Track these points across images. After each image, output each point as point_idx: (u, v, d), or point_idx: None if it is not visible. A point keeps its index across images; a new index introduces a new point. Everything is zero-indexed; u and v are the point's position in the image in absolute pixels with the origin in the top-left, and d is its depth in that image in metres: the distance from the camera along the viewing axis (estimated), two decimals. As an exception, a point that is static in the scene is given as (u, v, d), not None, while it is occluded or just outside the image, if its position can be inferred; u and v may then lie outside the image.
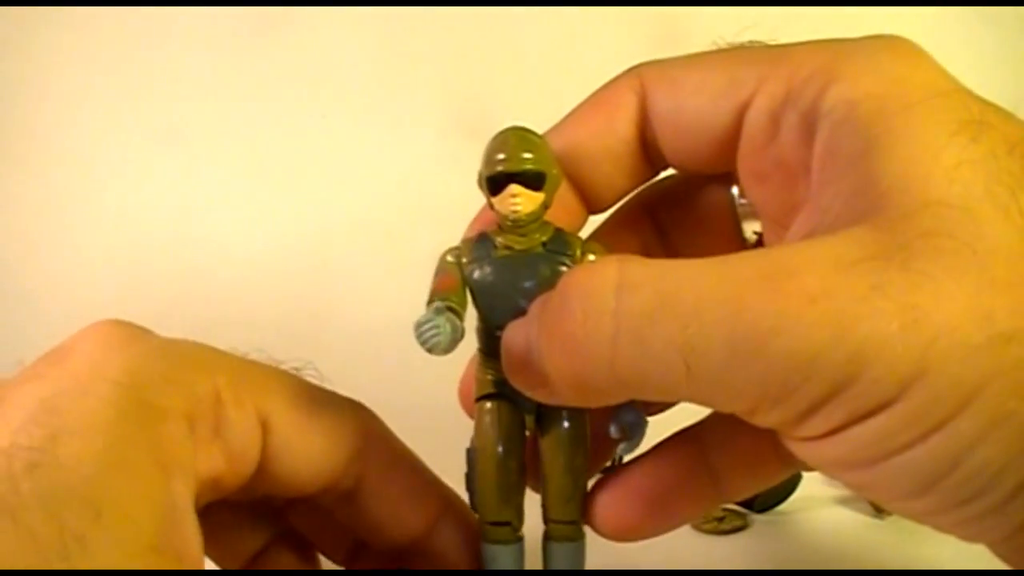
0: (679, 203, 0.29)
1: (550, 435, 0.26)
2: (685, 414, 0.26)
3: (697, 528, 0.39)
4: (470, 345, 0.25)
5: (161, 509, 0.20)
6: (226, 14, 0.70)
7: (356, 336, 0.59)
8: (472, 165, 0.25)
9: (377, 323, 0.56)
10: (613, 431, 0.25)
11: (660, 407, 0.28)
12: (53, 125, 0.71)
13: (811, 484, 0.40)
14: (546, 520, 0.26)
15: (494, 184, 0.24)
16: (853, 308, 0.18)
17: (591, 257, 0.25)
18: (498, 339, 0.24)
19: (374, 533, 0.27)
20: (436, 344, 0.23)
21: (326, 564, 0.30)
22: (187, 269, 0.67)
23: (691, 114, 0.25)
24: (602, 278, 0.21)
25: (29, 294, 0.66)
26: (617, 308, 0.20)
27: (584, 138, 0.26)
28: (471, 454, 0.26)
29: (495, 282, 0.25)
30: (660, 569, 0.35)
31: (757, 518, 0.40)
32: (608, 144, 0.26)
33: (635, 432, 0.25)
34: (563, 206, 0.26)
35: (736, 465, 0.26)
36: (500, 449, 0.25)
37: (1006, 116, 0.21)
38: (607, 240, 0.27)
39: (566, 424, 0.26)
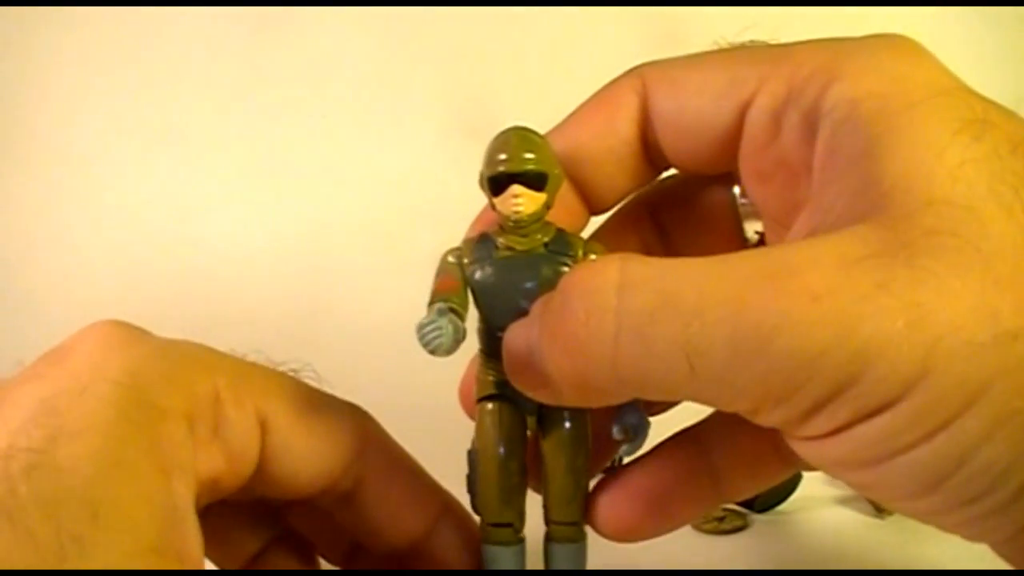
0: (680, 203, 0.29)
1: (552, 436, 0.26)
2: (686, 414, 0.26)
3: (697, 528, 0.39)
4: (471, 346, 0.25)
5: (161, 510, 0.20)
6: (226, 14, 0.70)
7: (357, 336, 0.59)
8: (473, 165, 0.24)
9: (377, 323, 0.56)
10: (615, 432, 0.25)
11: (662, 407, 0.28)
12: (53, 125, 0.71)
13: (811, 484, 0.40)
14: (547, 521, 0.26)
15: (496, 184, 0.24)
16: (857, 306, 0.18)
17: (593, 257, 0.25)
18: (499, 340, 0.24)
19: (372, 536, 0.27)
20: (438, 345, 0.23)
21: (325, 566, 0.30)
22: (187, 269, 0.67)
23: (692, 114, 0.25)
24: (604, 277, 0.21)
25: (29, 294, 0.66)
26: (619, 307, 0.20)
27: (586, 139, 0.26)
28: (472, 455, 0.26)
29: (496, 283, 0.25)
30: (660, 569, 0.35)
31: (757, 518, 0.40)
32: (610, 145, 0.26)
33: (637, 433, 0.25)
34: (565, 206, 0.26)
35: (737, 465, 0.26)
36: (501, 450, 0.25)
37: (1008, 115, 0.21)
38: (608, 240, 0.26)
39: (568, 425, 0.25)
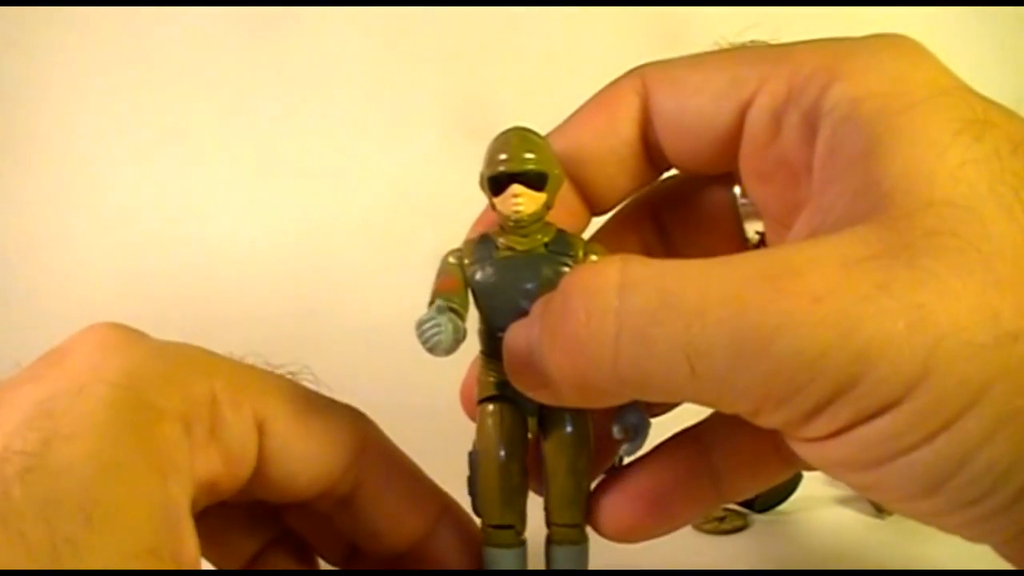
0: (681, 203, 0.29)
1: (553, 438, 0.26)
2: (687, 415, 0.26)
3: (698, 528, 0.38)
4: (472, 347, 0.25)
5: (156, 511, 0.20)
6: (226, 14, 0.70)
7: (357, 337, 0.59)
8: (473, 165, 0.24)
9: (378, 324, 0.56)
10: (616, 432, 0.25)
11: (663, 408, 0.28)
12: (53, 125, 0.71)
13: (812, 484, 0.40)
14: (549, 523, 0.26)
15: (496, 184, 0.24)
16: (858, 307, 0.18)
17: (593, 258, 0.25)
18: (500, 340, 0.24)
19: (372, 539, 0.27)
20: (438, 343, 0.23)
21: (324, 566, 0.30)
22: (187, 269, 0.67)
23: (693, 114, 0.25)
24: (605, 277, 0.21)
25: (28, 294, 0.66)
26: (620, 307, 0.20)
27: (587, 139, 0.26)
28: (473, 457, 0.26)
29: (497, 283, 0.25)
30: (661, 569, 0.35)
31: (758, 518, 0.40)
32: (611, 145, 0.26)
33: (638, 433, 0.25)
34: (565, 207, 0.26)
35: (738, 465, 0.26)
36: (502, 452, 0.25)
37: (1009, 115, 0.21)
38: (609, 241, 0.26)
39: (569, 427, 0.25)
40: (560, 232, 0.25)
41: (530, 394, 0.23)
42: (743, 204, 0.27)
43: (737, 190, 0.27)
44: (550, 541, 0.26)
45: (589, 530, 0.26)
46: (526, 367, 0.23)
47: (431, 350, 0.23)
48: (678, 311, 0.19)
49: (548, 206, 0.24)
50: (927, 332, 0.18)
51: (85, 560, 0.18)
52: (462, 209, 0.27)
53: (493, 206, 0.24)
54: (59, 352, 0.23)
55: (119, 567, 0.18)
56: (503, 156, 0.24)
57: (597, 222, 0.29)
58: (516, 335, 0.23)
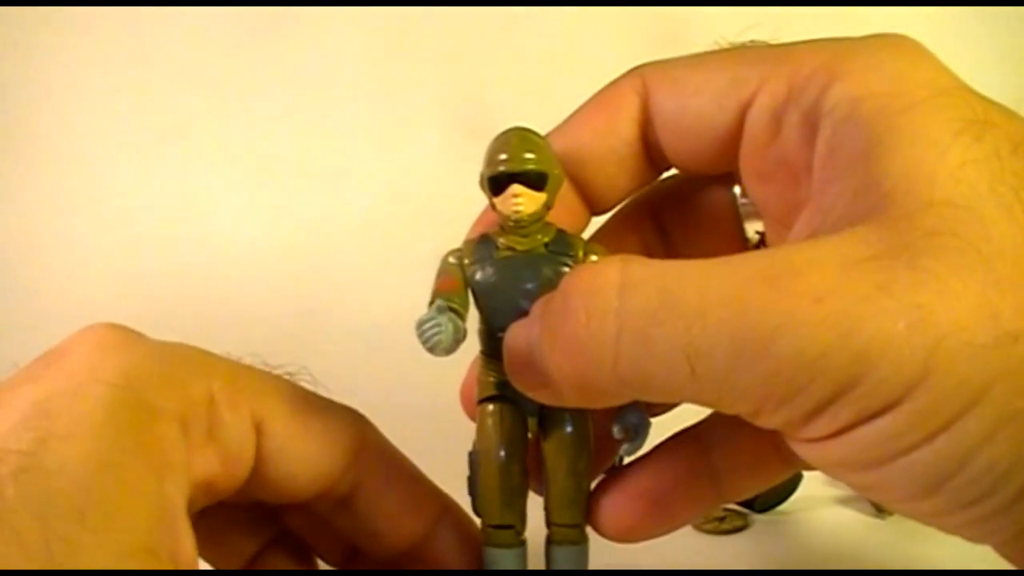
0: (681, 203, 0.29)
1: (553, 438, 0.26)
2: (687, 415, 0.26)
3: (698, 528, 0.38)
4: (472, 347, 0.25)
5: (152, 511, 0.20)
6: (226, 15, 0.70)
7: (357, 337, 0.59)
8: (473, 165, 0.24)
9: (378, 324, 0.56)
10: (616, 432, 0.25)
11: (663, 408, 0.28)
12: (53, 125, 0.72)
13: (812, 484, 0.40)
14: (549, 523, 0.26)
15: (496, 184, 0.24)
16: (859, 308, 0.18)
17: (593, 258, 0.25)
18: (500, 340, 0.24)
19: (371, 540, 0.27)
20: (438, 343, 0.23)
21: (323, 566, 0.30)
22: (186, 269, 0.67)
23: (693, 114, 0.25)
24: (605, 278, 0.21)
25: (28, 294, 0.66)
26: (620, 308, 0.20)
27: (587, 139, 0.26)
28: (473, 457, 0.26)
29: (497, 283, 0.25)
30: (661, 569, 0.35)
31: (758, 518, 0.40)
32: (611, 145, 0.26)
33: (639, 433, 0.25)
34: (565, 207, 0.26)
35: (738, 465, 0.26)
36: (502, 452, 0.25)
37: (1009, 115, 0.21)
38: (609, 240, 0.26)
39: (569, 427, 0.25)
40: (560, 232, 0.25)
41: (530, 394, 0.23)
42: (743, 204, 0.27)
43: (737, 190, 0.27)
44: (550, 541, 0.26)
45: (589, 530, 0.26)
46: (526, 367, 0.22)
47: (431, 350, 0.23)
48: (678, 312, 0.19)
49: (548, 206, 0.24)
50: (927, 332, 0.18)
51: (80, 559, 0.18)
52: (462, 209, 0.27)
53: (493, 206, 0.24)
54: (57, 352, 0.23)
55: (114, 566, 0.18)
56: (503, 156, 0.24)
57: (596, 221, 0.29)
58: (516, 335, 0.23)
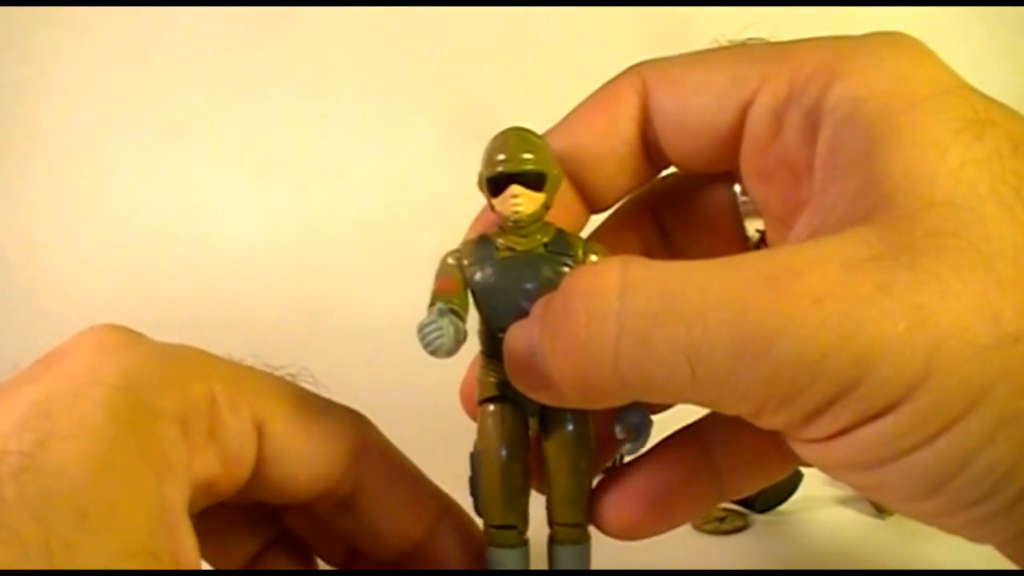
0: (681, 202, 0.29)
1: (554, 437, 0.26)
2: (687, 412, 0.26)
3: (698, 528, 0.38)
4: (472, 346, 0.25)
5: (152, 512, 0.20)
6: (227, 14, 0.70)
7: (357, 337, 0.59)
8: (473, 166, 0.24)
9: (378, 323, 0.56)
10: (618, 432, 0.25)
11: (663, 406, 0.28)
12: (53, 125, 0.72)
13: (812, 484, 0.40)
14: (551, 523, 0.26)
15: (495, 185, 0.24)
16: (859, 309, 0.18)
17: (593, 258, 0.25)
18: (500, 341, 0.24)
19: (372, 541, 0.27)
20: (439, 346, 0.23)
21: (323, 566, 0.29)
22: (187, 269, 0.67)
23: (694, 113, 0.25)
24: (605, 279, 0.21)
25: (28, 294, 0.66)
26: (621, 309, 0.20)
27: (586, 138, 0.26)
28: (475, 458, 0.26)
29: (497, 284, 0.25)
30: (662, 569, 0.35)
31: (758, 518, 0.40)
32: (611, 144, 0.26)
33: (640, 432, 0.25)
34: (564, 206, 0.26)
35: (738, 463, 0.26)
36: (504, 452, 0.25)
37: (1010, 114, 0.21)
38: (608, 239, 0.26)
39: (570, 426, 0.25)
40: (559, 232, 0.25)
41: (531, 395, 0.23)
42: (743, 202, 0.27)
43: (737, 188, 0.27)
44: (552, 540, 0.26)
45: (592, 529, 0.26)
46: (527, 369, 0.22)
47: (433, 353, 0.23)
48: (679, 313, 0.19)
49: (547, 206, 0.24)
50: (928, 333, 0.18)
51: (80, 560, 0.18)
52: (462, 209, 0.27)
53: (492, 207, 0.24)
54: (57, 354, 0.23)
55: (114, 567, 0.18)
56: (501, 156, 0.24)
57: (595, 219, 0.29)
58: (516, 336, 0.23)
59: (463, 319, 0.24)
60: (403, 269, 0.45)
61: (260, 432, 0.24)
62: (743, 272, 0.19)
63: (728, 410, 0.21)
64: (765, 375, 0.19)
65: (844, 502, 0.41)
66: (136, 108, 0.71)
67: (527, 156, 0.24)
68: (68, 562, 0.18)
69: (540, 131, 0.25)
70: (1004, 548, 0.21)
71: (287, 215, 0.69)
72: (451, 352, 0.23)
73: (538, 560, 0.26)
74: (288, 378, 0.26)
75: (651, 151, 0.26)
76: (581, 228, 0.27)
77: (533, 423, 0.26)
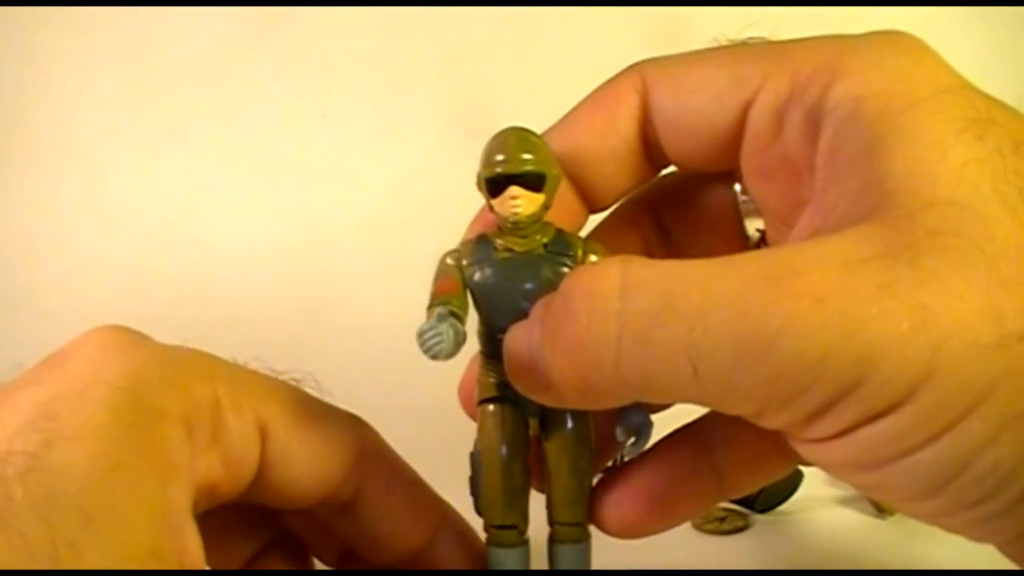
0: (681, 201, 0.29)
1: (554, 437, 0.26)
2: (687, 411, 0.26)
3: (699, 528, 0.38)
4: (471, 346, 0.25)
5: (157, 513, 0.20)
6: (227, 14, 0.70)
7: (358, 337, 0.59)
8: (473, 166, 0.24)
9: (378, 323, 0.56)
10: (619, 433, 0.25)
11: (663, 405, 0.28)
12: (53, 126, 0.72)
13: (813, 484, 0.40)
14: (551, 522, 0.26)
15: (493, 186, 0.24)
16: (861, 308, 0.18)
17: (593, 258, 0.25)
18: (500, 342, 0.24)
19: (371, 546, 0.27)
20: (440, 351, 0.23)
21: (320, 567, 0.29)
22: (187, 269, 0.67)
23: (694, 112, 0.25)
24: (606, 279, 0.20)
25: (29, 295, 0.66)
26: (622, 309, 0.20)
27: (586, 138, 0.26)
28: (475, 458, 0.26)
29: (496, 284, 0.25)
30: (662, 569, 0.34)
31: (759, 518, 0.40)
32: (611, 144, 0.26)
33: (641, 433, 0.25)
34: (563, 205, 0.26)
35: (739, 461, 0.26)
36: (504, 452, 0.25)
37: (1012, 113, 0.21)
38: (608, 239, 0.26)
39: (570, 425, 0.25)
40: (559, 232, 0.25)
41: (531, 396, 0.23)
42: (743, 201, 0.27)
43: (737, 187, 0.27)
44: (553, 540, 0.26)
45: (592, 528, 0.26)
46: (527, 370, 0.22)
47: (433, 358, 0.23)
48: (680, 313, 0.19)
49: (546, 206, 0.24)
50: (931, 333, 0.18)
51: (86, 561, 0.18)
52: (462, 209, 0.27)
53: (491, 207, 0.24)
54: (61, 355, 0.22)
55: (119, 568, 0.18)
56: (500, 157, 0.24)
57: (594, 219, 0.29)
58: (516, 338, 0.23)
59: (462, 321, 0.24)
60: (403, 269, 0.45)
61: (263, 435, 0.24)
62: (744, 271, 0.19)
63: (730, 410, 0.21)
64: (767, 375, 0.19)
65: (844, 502, 0.41)
66: (136, 108, 0.71)
67: (526, 157, 0.24)
68: (73, 563, 0.18)
69: (539, 131, 0.25)
70: (1005, 548, 0.21)
71: (287, 215, 0.69)
72: (451, 356, 0.23)
73: (538, 559, 0.26)
74: (292, 383, 0.26)
75: (651, 150, 0.26)
76: (580, 228, 0.27)
77: (533, 423, 0.26)
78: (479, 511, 0.26)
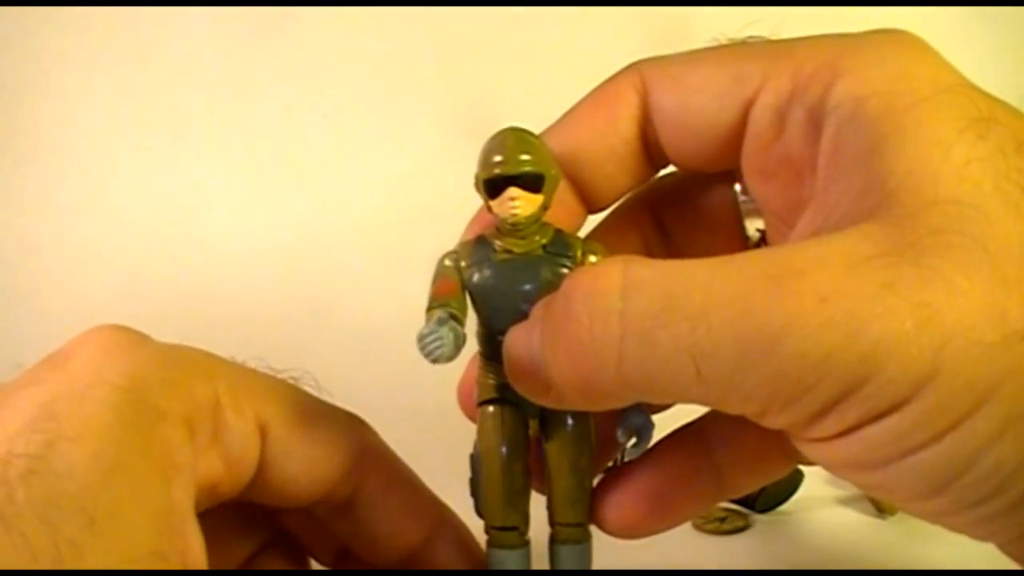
0: (681, 201, 0.29)
1: (555, 437, 0.26)
2: (687, 412, 0.26)
3: (699, 528, 0.38)
4: (471, 346, 0.25)
5: (160, 513, 0.20)
6: (227, 14, 0.70)
7: (358, 338, 0.59)
8: (473, 166, 0.24)
9: (379, 324, 0.56)
10: (620, 435, 0.25)
11: (663, 405, 0.28)
12: (53, 125, 0.71)
13: (813, 484, 0.40)
14: (552, 523, 0.26)
15: (492, 187, 0.24)
16: (865, 307, 0.18)
17: (592, 258, 0.25)
18: (499, 343, 0.24)
19: (369, 546, 0.27)
20: (440, 355, 0.23)
21: (317, 566, 0.29)
22: (187, 269, 0.67)
23: (695, 112, 0.25)
24: (607, 280, 0.20)
25: (29, 295, 0.66)
26: (624, 310, 0.20)
27: (586, 138, 0.26)
28: (475, 459, 0.26)
29: (495, 286, 0.24)
30: (663, 569, 0.34)
31: (759, 518, 0.40)
32: (611, 144, 0.26)
33: (642, 435, 0.25)
34: (562, 205, 0.25)
35: (739, 460, 0.26)
36: (504, 454, 0.25)
37: (1013, 112, 0.21)
38: (608, 238, 0.26)
39: (570, 426, 0.25)
40: (558, 232, 0.25)
41: (532, 398, 0.23)
42: (743, 201, 0.27)
43: (737, 187, 0.27)
44: (554, 540, 0.26)
45: (592, 528, 0.26)
46: (527, 372, 0.22)
47: (434, 362, 0.23)
48: (683, 312, 0.19)
49: (545, 207, 0.24)
50: (935, 331, 0.18)
51: (88, 562, 0.18)
52: (462, 209, 0.27)
53: (489, 208, 0.24)
54: (62, 355, 0.22)
55: (122, 569, 0.18)
56: (498, 158, 0.23)
57: (592, 219, 0.28)
58: (516, 339, 0.23)
59: (462, 323, 0.24)
60: (403, 269, 0.45)
61: (263, 434, 0.24)
62: (746, 271, 0.19)
63: (733, 410, 0.20)
64: (770, 374, 0.19)
65: (845, 502, 0.41)
66: (136, 108, 0.71)
67: (525, 157, 0.23)
68: (76, 564, 0.18)
69: (539, 131, 0.25)
70: (1007, 547, 0.21)
71: (287, 215, 0.69)
72: (451, 359, 0.23)
73: (539, 560, 0.26)
74: (291, 381, 0.26)
75: (650, 150, 0.26)
76: (579, 228, 0.27)
77: (533, 424, 0.26)
78: (480, 513, 0.26)
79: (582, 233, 0.27)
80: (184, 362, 0.24)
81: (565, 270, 0.24)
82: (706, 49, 0.26)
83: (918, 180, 0.19)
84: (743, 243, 0.27)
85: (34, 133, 0.71)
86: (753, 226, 0.27)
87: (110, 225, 0.69)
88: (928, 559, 0.35)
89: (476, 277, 0.25)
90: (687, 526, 0.38)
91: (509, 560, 0.26)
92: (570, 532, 0.26)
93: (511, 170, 0.23)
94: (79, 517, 0.18)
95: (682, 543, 0.37)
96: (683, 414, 0.27)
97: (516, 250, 0.24)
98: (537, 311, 0.23)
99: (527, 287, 0.24)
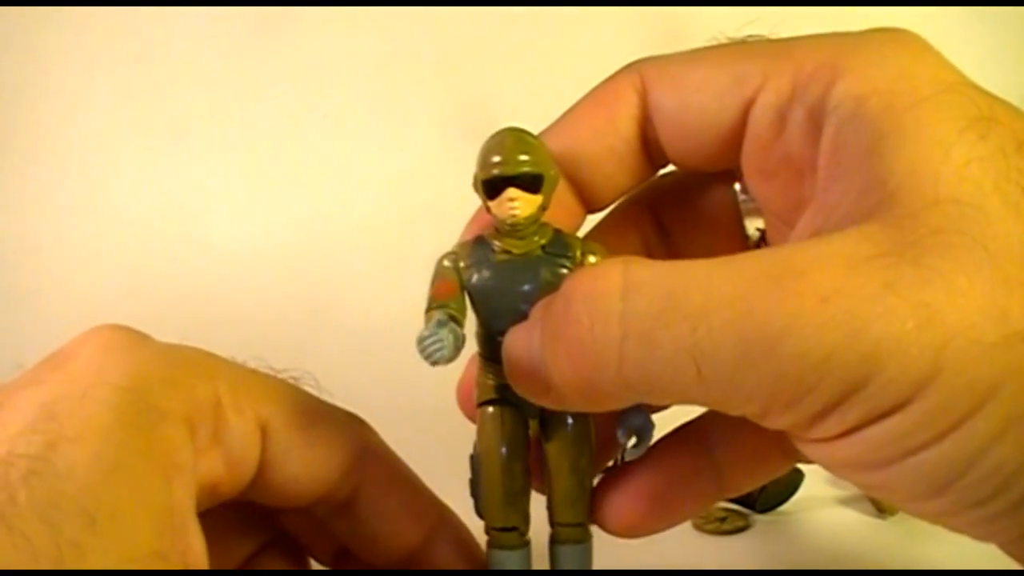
0: (681, 200, 0.29)
1: (555, 437, 0.26)
2: (686, 411, 0.26)
3: (699, 528, 0.38)
4: (470, 346, 0.25)
5: (161, 514, 0.20)
6: (227, 14, 0.70)
7: (358, 338, 0.59)
8: (472, 166, 0.24)
9: (379, 324, 0.56)
10: (621, 435, 0.25)
11: (663, 406, 0.28)
12: (54, 125, 0.71)
13: (813, 484, 0.40)
14: (552, 523, 0.26)
15: (490, 187, 0.24)
16: (865, 307, 0.18)
17: (592, 259, 0.25)
18: (499, 344, 0.24)
19: (368, 546, 0.27)
20: (440, 357, 0.23)
21: (316, 566, 0.29)
22: (187, 269, 0.67)
23: (695, 112, 0.25)
24: (607, 280, 0.20)
25: (29, 295, 0.66)
26: (624, 311, 0.20)
27: (585, 138, 0.26)
28: (475, 460, 0.26)
29: (495, 287, 0.24)
30: (663, 569, 0.34)
31: (759, 518, 0.40)
32: (610, 144, 0.26)
33: (643, 435, 0.25)
34: (561, 205, 0.25)
35: (739, 460, 0.26)
36: (504, 455, 0.25)
37: (1014, 112, 0.21)
38: (608, 238, 0.26)
39: (570, 426, 0.25)
40: (557, 233, 0.25)
41: (532, 399, 0.23)
42: (743, 201, 0.27)
43: (737, 187, 0.27)
44: (554, 540, 0.26)
45: (593, 528, 0.26)
46: (527, 373, 0.22)
47: (434, 364, 0.23)
48: (683, 313, 0.19)
49: (544, 207, 0.24)
50: (936, 332, 0.18)
51: (89, 563, 0.18)
52: (462, 209, 0.27)
53: (488, 209, 0.24)
54: (62, 355, 0.22)
55: (124, 569, 0.18)
56: (497, 159, 0.23)
57: (591, 219, 0.28)
58: (516, 340, 0.23)
59: (461, 324, 0.24)
60: (403, 269, 0.45)
61: (263, 434, 0.24)
62: (747, 271, 0.19)
63: (734, 410, 0.20)
64: (771, 375, 0.19)
65: (845, 502, 0.41)
66: (136, 108, 0.71)
67: (523, 158, 0.23)
68: (77, 564, 0.18)
69: (538, 131, 0.25)
70: (1008, 547, 0.21)
71: (287, 215, 0.69)
72: (451, 361, 0.23)
73: (540, 560, 0.26)
74: (291, 381, 0.26)
75: (650, 149, 0.26)
76: (578, 228, 0.27)
77: (533, 424, 0.26)
78: (480, 513, 0.26)
79: (581, 233, 0.27)
80: (184, 362, 0.24)
81: (564, 270, 0.24)
82: (706, 49, 0.26)
83: (918, 180, 0.19)
84: (743, 243, 0.27)
85: (34, 133, 0.71)
86: (753, 226, 0.27)
87: (110, 225, 0.69)
88: (928, 559, 0.35)
89: (475, 278, 0.25)
90: (687, 526, 0.38)
91: (509, 560, 0.26)
92: (570, 532, 0.26)
93: (510, 170, 0.23)
94: (80, 517, 0.18)
95: (682, 543, 0.37)
96: (683, 414, 0.27)
97: (515, 251, 0.24)
98: (537, 312, 0.23)
99: (526, 288, 0.24)
